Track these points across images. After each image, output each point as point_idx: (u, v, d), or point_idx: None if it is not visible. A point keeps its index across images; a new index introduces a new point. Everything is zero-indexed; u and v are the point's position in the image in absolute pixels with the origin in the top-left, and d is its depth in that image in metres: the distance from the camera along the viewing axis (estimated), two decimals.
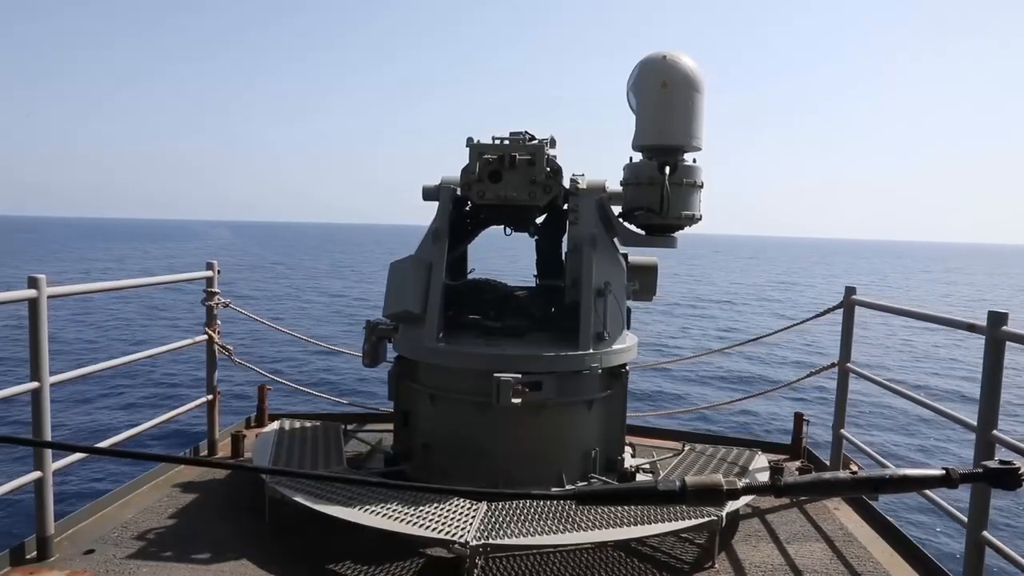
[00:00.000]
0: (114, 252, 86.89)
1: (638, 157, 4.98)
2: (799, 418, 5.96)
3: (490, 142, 4.91)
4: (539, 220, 5.27)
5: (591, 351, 4.61)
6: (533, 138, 4.98)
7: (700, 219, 4.98)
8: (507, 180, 4.81)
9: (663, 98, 4.67)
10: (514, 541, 3.71)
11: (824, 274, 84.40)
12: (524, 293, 5.23)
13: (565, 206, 5.00)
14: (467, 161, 4.92)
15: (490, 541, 3.66)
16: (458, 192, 4.96)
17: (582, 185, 4.93)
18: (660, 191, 4.71)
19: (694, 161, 4.94)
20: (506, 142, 4.90)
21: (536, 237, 5.33)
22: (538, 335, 4.92)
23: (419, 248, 5.02)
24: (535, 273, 5.41)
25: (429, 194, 5.13)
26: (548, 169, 4.85)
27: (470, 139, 4.90)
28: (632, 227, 5.03)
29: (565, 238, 5.20)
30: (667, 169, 4.74)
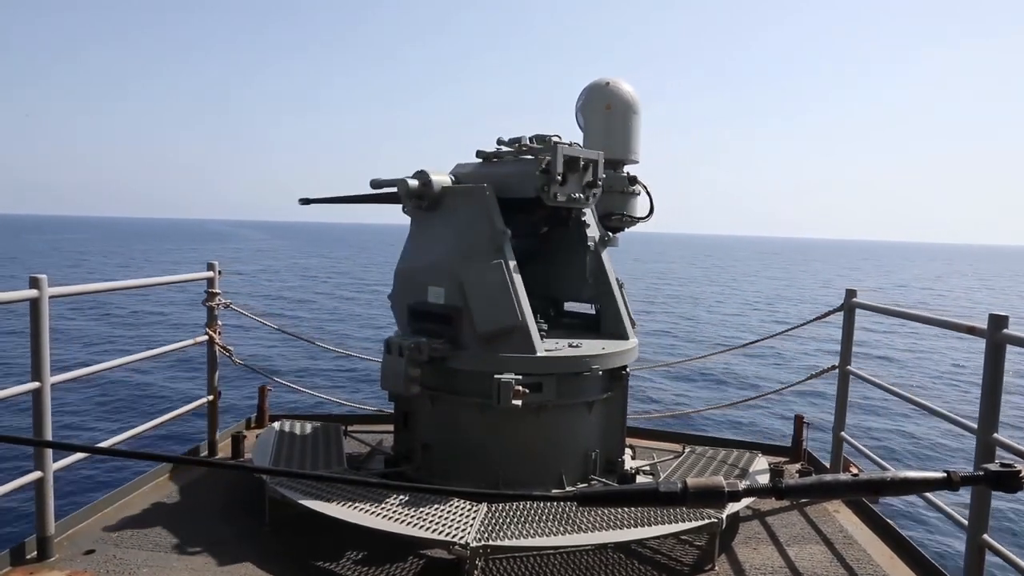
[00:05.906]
0: (192, 254, 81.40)
1: None
2: (800, 420, 5.96)
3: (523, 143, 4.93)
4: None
5: (591, 352, 4.62)
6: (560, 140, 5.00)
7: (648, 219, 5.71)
8: (571, 182, 4.76)
9: (607, 119, 5.47)
10: (514, 543, 3.70)
11: (920, 277, 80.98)
12: None
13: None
14: (465, 159, 4.97)
15: (490, 542, 3.66)
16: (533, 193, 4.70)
17: None
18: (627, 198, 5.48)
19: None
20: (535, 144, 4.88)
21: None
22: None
23: (487, 253, 4.61)
24: None
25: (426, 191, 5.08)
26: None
27: (511, 139, 4.93)
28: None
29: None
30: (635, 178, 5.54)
